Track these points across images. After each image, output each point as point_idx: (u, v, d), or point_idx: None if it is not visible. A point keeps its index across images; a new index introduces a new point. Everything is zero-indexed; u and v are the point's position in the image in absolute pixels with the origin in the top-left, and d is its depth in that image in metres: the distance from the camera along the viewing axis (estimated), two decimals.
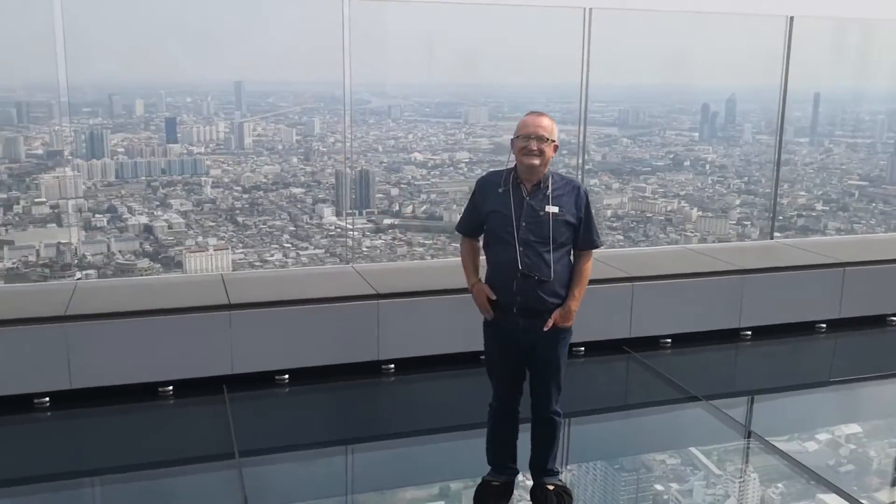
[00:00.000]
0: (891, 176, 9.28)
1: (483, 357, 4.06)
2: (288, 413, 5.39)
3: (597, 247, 3.91)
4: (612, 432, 5.40)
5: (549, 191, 3.76)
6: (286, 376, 5.45)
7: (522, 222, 3.72)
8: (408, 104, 7.89)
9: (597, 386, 5.87)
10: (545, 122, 3.74)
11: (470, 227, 3.97)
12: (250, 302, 5.39)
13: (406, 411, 5.55)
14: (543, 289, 3.73)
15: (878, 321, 6.86)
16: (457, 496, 4.40)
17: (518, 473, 4.11)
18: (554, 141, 3.74)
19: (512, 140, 3.80)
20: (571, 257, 3.87)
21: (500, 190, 3.78)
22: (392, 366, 5.65)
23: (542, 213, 3.72)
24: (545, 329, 3.77)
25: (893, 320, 6.89)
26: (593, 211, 3.89)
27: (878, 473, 4.89)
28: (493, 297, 3.82)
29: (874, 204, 9.24)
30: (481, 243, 3.96)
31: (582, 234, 3.83)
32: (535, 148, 3.68)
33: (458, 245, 4.09)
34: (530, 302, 3.74)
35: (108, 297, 5.51)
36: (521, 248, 3.70)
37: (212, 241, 6.95)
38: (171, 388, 5.23)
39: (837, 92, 8.97)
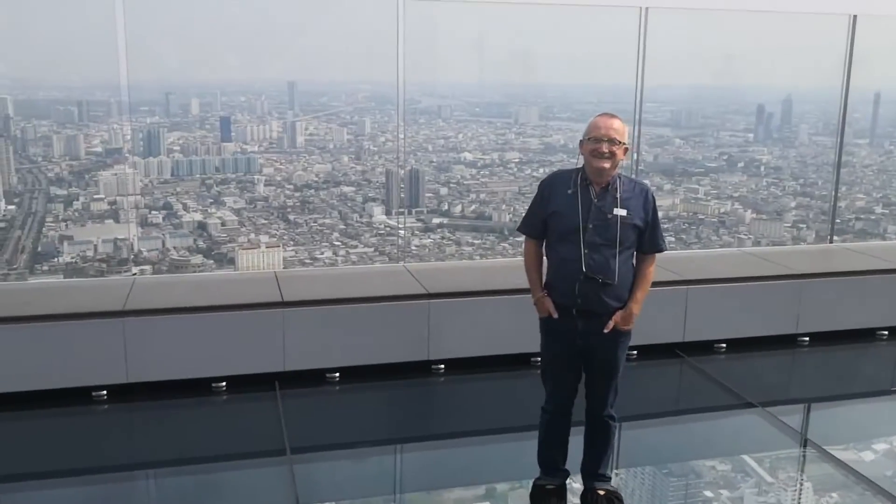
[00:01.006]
0: None
1: (537, 359, 4.02)
2: (338, 411, 5.42)
3: (661, 251, 3.86)
4: (663, 437, 5.33)
5: (618, 193, 3.71)
6: (337, 374, 5.48)
7: (589, 225, 3.68)
8: (458, 104, 7.88)
9: (649, 390, 5.79)
10: (616, 124, 3.69)
11: (535, 227, 3.90)
12: (304, 300, 5.44)
13: (455, 412, 5.55)
14: (606, 292, 3.70)
15: None
16: (503, 497, 4.38)
17: (569, 475, 4.08)
18: (625, 143, 3.70)
19: (581, 141, 3.75)
20: (634, 260, 3.83)
21: (568, 191, 3.74)
22: (442, 366, 5.65)
23: (610, 217, 3.68)
24: (605, 331, 3.74)
25: None
26: (659, 214, 3.84)
27: None
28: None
29: None
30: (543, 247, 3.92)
31: (648, 238, 3.79)
32: (606, 150, 3.64)
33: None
34: (591, 304, 3.71)
35: (165, 292, 5.60)
36: (586, 251, 3.67)
37: (264, 238, 7.03)
38: (224, 383, 5.30)
39: None
